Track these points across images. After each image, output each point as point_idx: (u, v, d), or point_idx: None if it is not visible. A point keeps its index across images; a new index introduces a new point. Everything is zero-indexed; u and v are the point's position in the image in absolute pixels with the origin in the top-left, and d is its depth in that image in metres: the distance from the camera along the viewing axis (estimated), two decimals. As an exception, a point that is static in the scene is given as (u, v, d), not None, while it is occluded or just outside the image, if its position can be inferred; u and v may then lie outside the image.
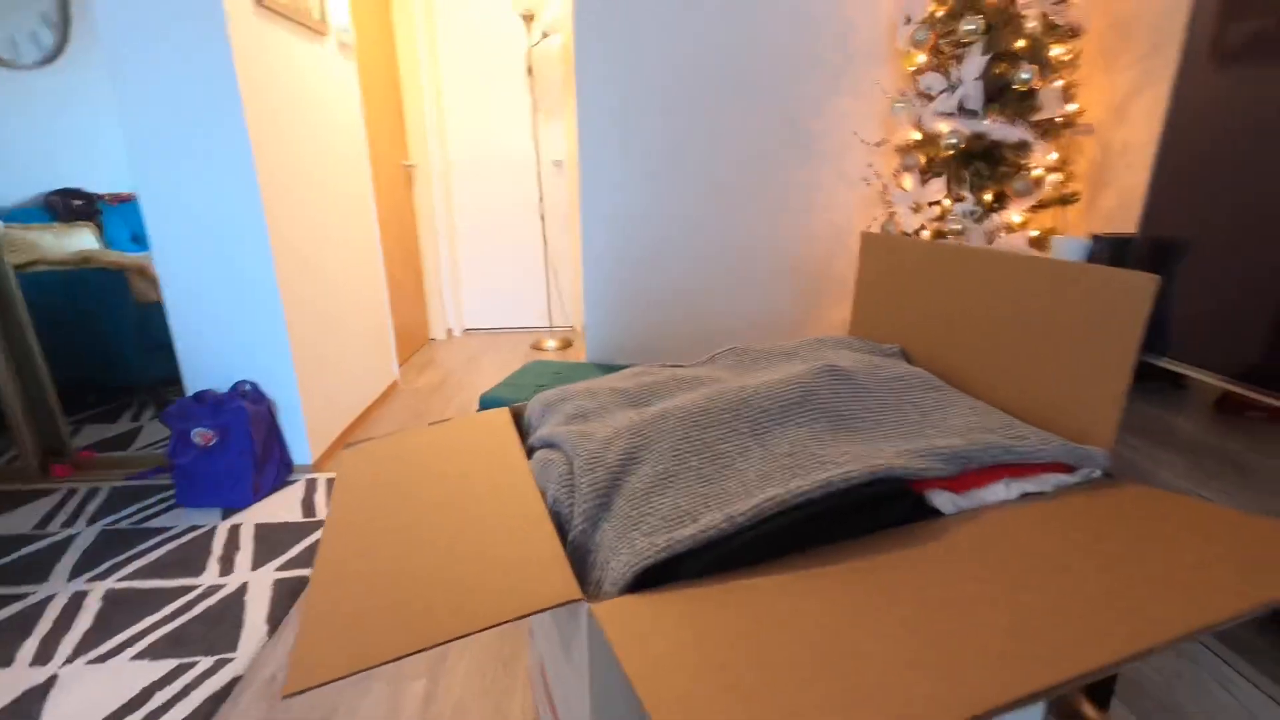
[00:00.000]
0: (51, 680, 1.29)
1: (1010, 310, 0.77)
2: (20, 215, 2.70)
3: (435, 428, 0.95)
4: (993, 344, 0.81)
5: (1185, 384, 1.02)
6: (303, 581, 1.58)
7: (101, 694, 1.25)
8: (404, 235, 3.44)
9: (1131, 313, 0.65)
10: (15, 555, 1.71)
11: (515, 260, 3.87)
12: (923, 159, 1.61)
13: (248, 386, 2.04)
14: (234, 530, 1.81)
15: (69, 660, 1.34)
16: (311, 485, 2.06)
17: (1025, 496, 0.68)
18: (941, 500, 0.67)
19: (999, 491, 0.68)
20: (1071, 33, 1.47)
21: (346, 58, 2.56)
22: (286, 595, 1.53)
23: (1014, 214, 1.52)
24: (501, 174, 3.72)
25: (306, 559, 1.66)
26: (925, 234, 1.62)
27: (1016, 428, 0.73)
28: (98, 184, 3.19)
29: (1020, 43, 1.44)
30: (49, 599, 1.53)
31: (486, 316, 3.98)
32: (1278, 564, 0.52)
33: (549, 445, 0.79)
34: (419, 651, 0.52)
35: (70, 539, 1.78)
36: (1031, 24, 1.44)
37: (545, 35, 3.28)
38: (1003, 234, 1.51)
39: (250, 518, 1.87)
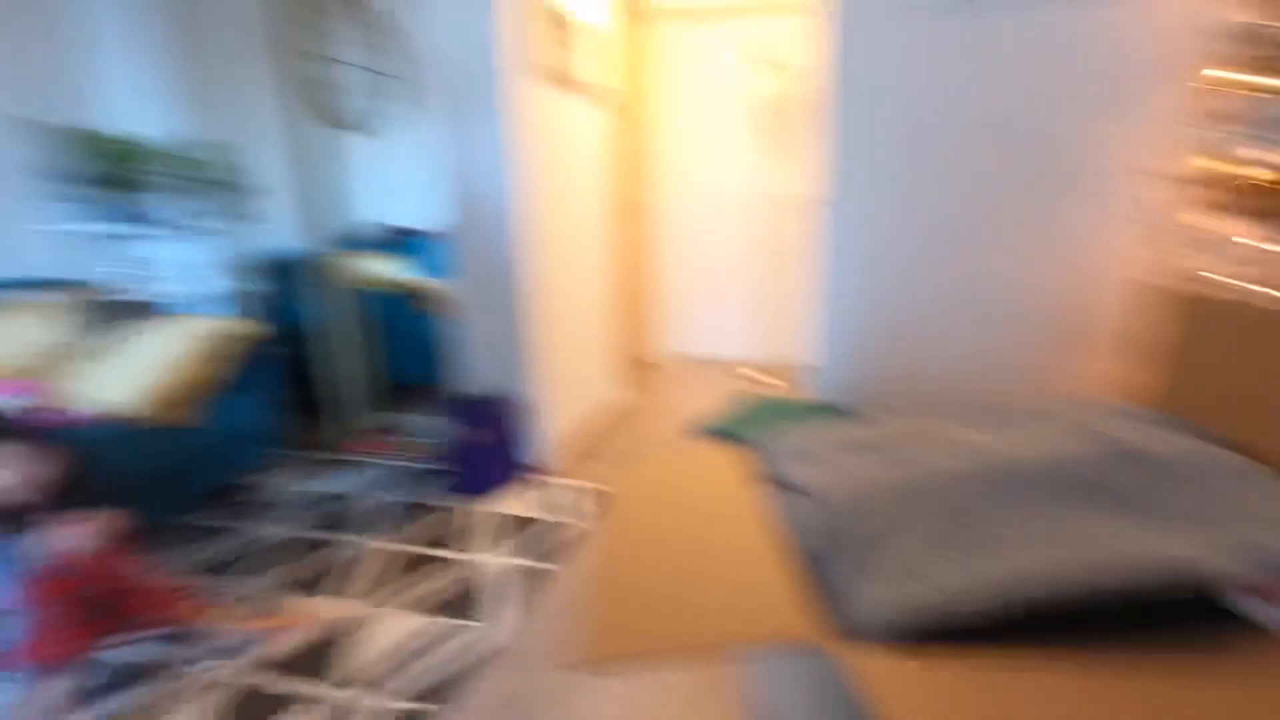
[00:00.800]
0: (368, 616, 1.65)
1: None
2: (361, 245, 3.48)
3: (684, 455, 1.06)
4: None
5: None
6: (546, 573, 1.83)
7: (402, 635, 1.58)
8: (634, 264, 3.76)
9: None
10: (337, 510, 2.22)
11: (733, 292, 4.00)
12: (1221, 194, 1.38)
13: (505, 394, 2.40)
14: (489, 517, 2.14)
15: (379, 602, 1.70)
16: (550, 488, 2.35)
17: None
18: (1257, 609, 0.60)
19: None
20: None
21: (603, 109, 2.91)
22: (534, 582, 1.78)
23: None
24: (725, 209, 3.89)
25: (549, 554, 1.91)
26: (1238, 283, 1.38)
27: None
28: (413, 221, 3.98)
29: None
30: (360, 550, 1.96)
31: (702, 344, 4.17)
32: None
33: (793, 486, 0.84)
34: (699, 661, 0.60)
35: (372, 504, 2.26)
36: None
37: (784, 78, 3.38)
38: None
39: (502, 508, 2.20)
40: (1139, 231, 1.69)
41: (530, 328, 2.34)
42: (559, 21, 2.39)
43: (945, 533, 0.66)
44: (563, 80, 2.43)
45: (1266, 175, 1.28)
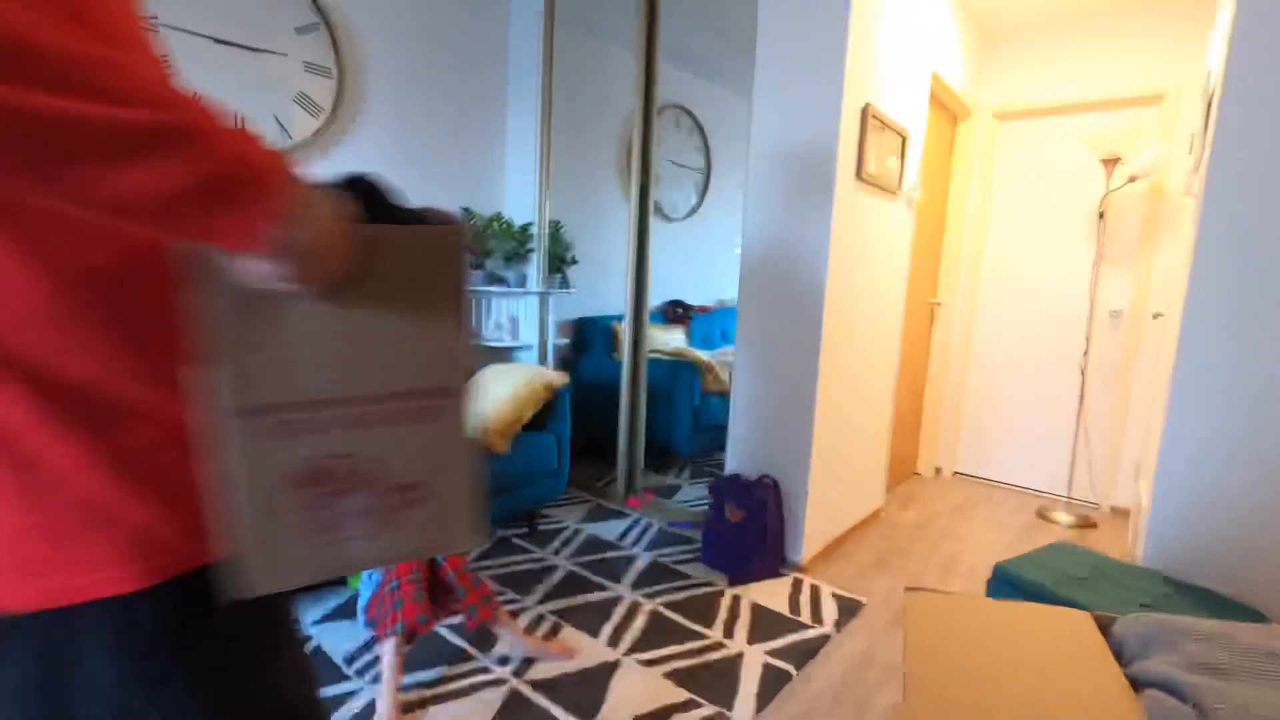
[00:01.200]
0: (616, 664, 1.74)
1: None
2: (652, 316, 3.88)
3: (1002, 604, 0.94)
4: None
5: None
6: (786, 673, 1.73)
7: (642, 693, 1.62)
8: (916, 368, 3.52)
9: None
10: (604, 556, 2.41)
11: (1033, 413, 3.48)
12: None
13: (770, 480, 2.40)
14: (736, 599, 2.12)
15: (628, 652, 1.79)
16: (798, 584, 2.25)
17: None
18: None
19: None
20: None
21: (909, 211, 2.85)
22: (773, 679, 1.71)
23: None
24: (1035, 319, 3.45)
25: (789, 655, 1.82)
26: None
27: None
28: (693, 297, 4.32)
29: None
30: (618, 599, 2.09)
31: (983, 465, 3.67)
32: None
33: (1167, 688, 0.69)
34: None
35: (634, 557, 2.40)
36: None
37: (1132, 179, 2.95)
38: None
39: (749, 593, 2.17)
40: None
41: (811, 417, 2.32)
42: (881, 127, 2.43)
43: None
44: (877, 182, 2.45)
45: None
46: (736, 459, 2.55)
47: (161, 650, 0.52)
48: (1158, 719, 0.68)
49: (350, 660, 1.70)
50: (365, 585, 1.67)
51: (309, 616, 1.90)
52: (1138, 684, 0.77)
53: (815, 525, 2.43)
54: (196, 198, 0.39)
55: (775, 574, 2.33)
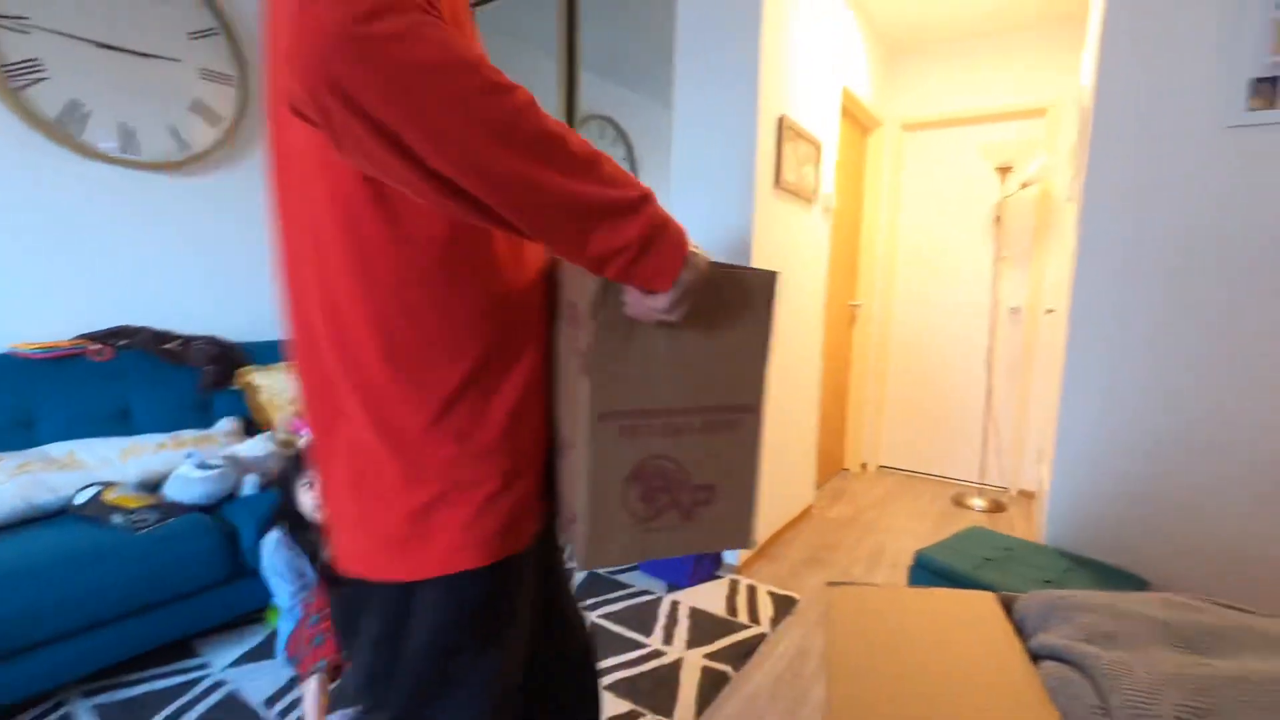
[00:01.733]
0: (555, 680, 1.72)
1: None
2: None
3: (917, 592, 0.99)
4: None
5: None
6: (724, 675, 1.76)
7: (583, 708, 1.60)
8: (839, 368, 3.66)
9: None
10: (540, 571, 2.37)
11: (946, 405, 3.69)
12: None
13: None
14: (674, 606, 2.14)
15: (566, 669, 1.76)
16: (735, 586, 2.29)
17: None
18: None
19: None
20: None
21: (825, 219, 2.97)
22: (711, 683, 1.72)
23: None
24: (946, 317, 3.66)
25: (727, 656, 1.85)
26: None
27: None
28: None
29: None
30: (557, 614, 2.06)
31: (904, 457, 3.86)
32: None
33: (1062, 660, 0.74)
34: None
35: (569, 570, 2.37)
36: None
37: (1023, 186, 3.18)
38: None
39: (686, 598, 2.19)
40: None
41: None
42: (796, 137, 2.53)
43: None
44: (794, 190, 2.54)
45: None
46: (670, 465, 2.57)
47: (464, 624, 0.63)
48: (1053, 687, 0.73)
49: (270, 703, 1.60)
50: (284, 621, 1.57)
51: (223, 658, 1.78)
52: (1036, 656, 0.81)
53: (749, 526, 2.48)
54: (641, 248, 0.53)
55: (712, 576, 2.36)
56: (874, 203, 3.72)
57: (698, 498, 0.64)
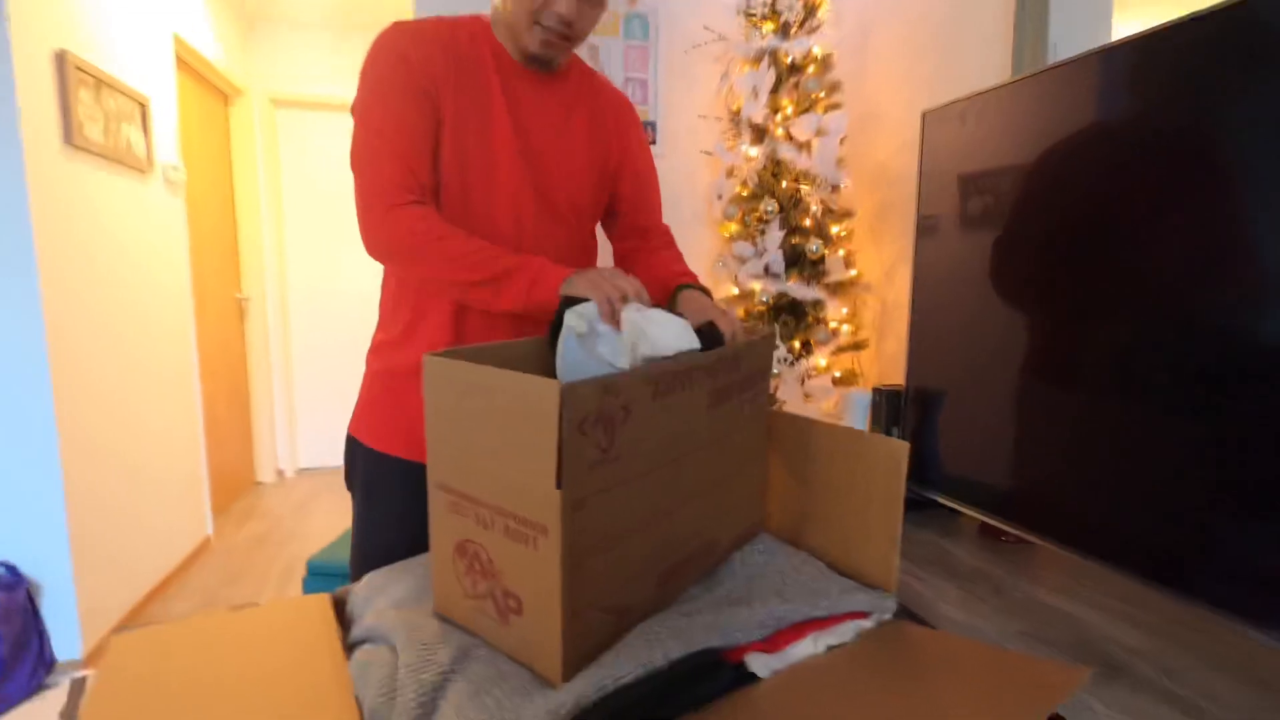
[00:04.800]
0: None
1: (812, 470, 0.86)
2: None
3: (235, 614, 0.85)
4: (805, 499, 0.90)
5: (957, 515, 1.20)
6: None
7: None
8: (232, 370, 3.16)
9: (893, 474, 0.76)
10: None
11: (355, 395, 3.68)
12: (741, 311, 1.82)
13: (6, 567, 1.68)
14: (-43, 762, 1.41)
15: None
16: (78, 690, 1.69)
17: (829, 648, 0.74)
18: (758, 665, 0.71)
19: (807, 647, 0.74)
20: (846, 214, 1.79)
21: (174, 194, 2.44)
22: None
23: (819, 358, 1.75)
24: (344, 304, 3.61)
25: (61, 789, 1.33)
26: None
27: (823, 583, 0.80)
28: None
29: (807, 221, 1.74)
30: None
31: (324, 455, 3.68)
32: (1024, 691, 0.61)
33: (372, 640, 0.73)
34: None
35: None
36: (814, 207, 1.74)
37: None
38: (812, 374, 1.72)
39: (-14, 740, 1.48)
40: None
41: (49, 466, 1.71)
42: (98, 85, 1.95)
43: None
44: (109, 154, 1.97)
45: (762, 300, 1.70)
46: (-69, 554, 1.69)
47: None
48: (356, 673, 0.69)
49: None
50: None
51: None
52: (353, 647, 0.77)
53: (100, 597, 1.87)
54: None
55: (38, 689, 1.67)
56: (249, 183, 3.31)
57: (509, 604, 0.60)
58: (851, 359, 1.87)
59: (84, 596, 1.79)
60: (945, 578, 1.00)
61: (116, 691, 0.69)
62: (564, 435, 0.50)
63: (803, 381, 1.72)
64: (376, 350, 0.99)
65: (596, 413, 0.52)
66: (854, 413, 1.29)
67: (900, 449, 0.78)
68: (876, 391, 1.26)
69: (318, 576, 1.61)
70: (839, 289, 1.76)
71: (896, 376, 1.67)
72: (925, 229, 1.17)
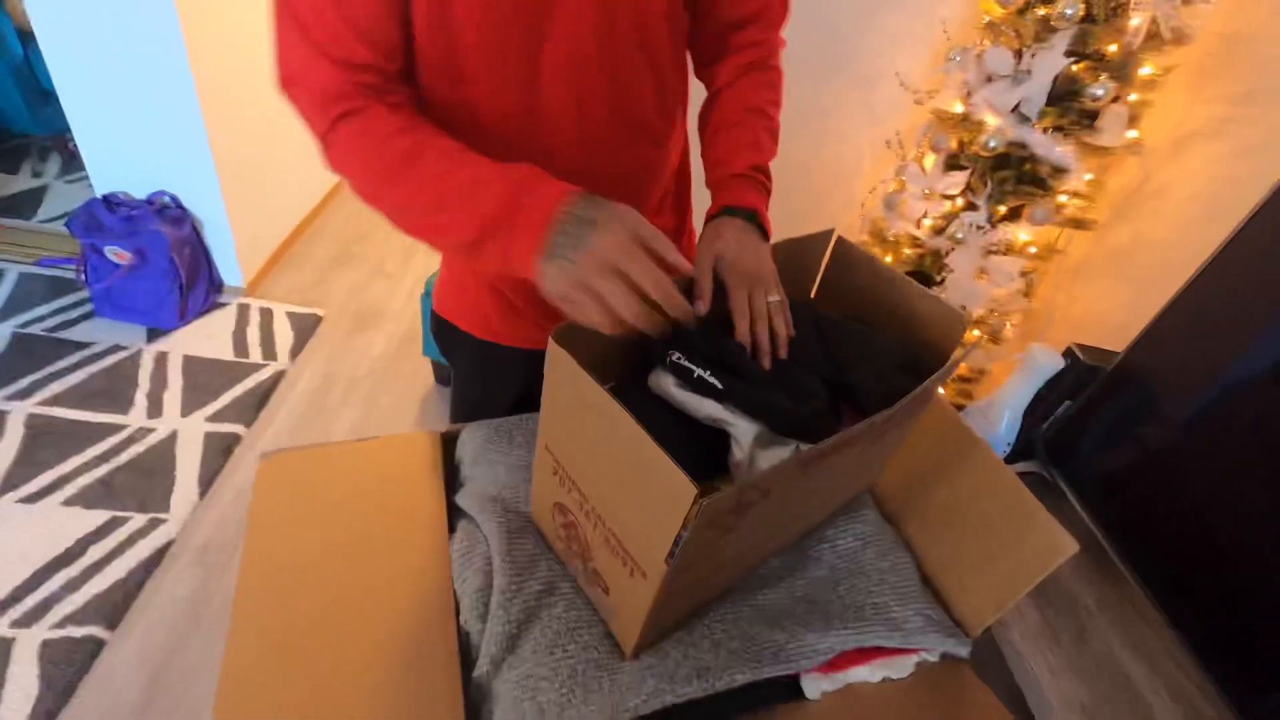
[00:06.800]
0: (-16, 516, 1.35)
1: (957, 497, 0.77)
2: None
3: (360, 444, 0.90)
4: (929, 502, 0.82)
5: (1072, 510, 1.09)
6: (234, 437, 1.62)
7: (32, 541, 1.32)
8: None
9: (1041, 564, 0.66)
10: (-79, 350, 1.65)
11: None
12: (955, 142, 1.42)
13: (167, 199, 1.83)
14: (161, 359, 1.77)
15: (-3, 497, 1.38)
16: (244, 314, 1.98)
17: (885, 679, 0.76)
18: (810, 687, 0.74)
19: (864, 673, 0.76)
20: (1181, 38, 1.22)
21: None
22: (217, 452, 1.58)
23: (1021, 232, 1.41)
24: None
25: (238, 412, 1.68)
26: (927, 224, 1.50)
27: (904, 609, 0.77)
28: None
29: (1113, 47, 1.20)
30: (-33, 415, 1.52)
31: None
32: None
33: (473, 519, 0.77)
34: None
35: (-19, 338, 1.71)
36: (1138, 19, 1.18)
37: None
38: (998, 253, 1.42)
39: (178, 345, 1.82)
40: (886, 152, 1.69)
41: (187, 100, 1.69)
42: None
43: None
44: None
45: (989, 146, 1.32)
46: (103, 171, 1.83)
47: None
48: (457, 561, 0.75)
49: None
50: None
51: None
52: (460, 517, 0.82)
53: (250, 234, 2.05)
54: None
55: (212, 307, 1.98)
56: None
57: (597, 579, 0.60)
58: (1061, 234, 1.49)
59: (239, 233, 1.96)
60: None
61: (276, 513, 0.78)
62: (689, 532, 0.44)
63: (984, 256, 1.42)
64: None
65: (733, 507, 0.46)
66: (1025, 379, 1.05)
67: (1065, 547, 0.67)
68: (1071, 359, 1.03)
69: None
70: (1095, 153, 1.31)
71: (1105, 332, 1.35)
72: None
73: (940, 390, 0.69)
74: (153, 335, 1.83)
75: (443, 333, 0.89)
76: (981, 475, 0.74)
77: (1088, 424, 1.02)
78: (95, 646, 1.19)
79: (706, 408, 0.61)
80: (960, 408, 1.67)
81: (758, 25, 0.72)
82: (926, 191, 1.46)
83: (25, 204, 2.16)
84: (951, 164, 1.42)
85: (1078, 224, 1.42)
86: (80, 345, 1.75)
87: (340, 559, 0.74)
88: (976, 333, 1.53)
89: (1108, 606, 0.97)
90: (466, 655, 0.69)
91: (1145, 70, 1.22)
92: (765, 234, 0.68)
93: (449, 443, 0.93)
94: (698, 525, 0.44)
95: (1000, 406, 1.08)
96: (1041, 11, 1.21)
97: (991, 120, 1.31)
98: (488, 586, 0.71)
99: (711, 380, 0.59)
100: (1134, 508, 0.94)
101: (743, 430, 0.61)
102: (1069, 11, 1.17)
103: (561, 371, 0.53)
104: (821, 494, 0.68)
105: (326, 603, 0.71)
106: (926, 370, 0.64)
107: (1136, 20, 1.17)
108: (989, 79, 1.31)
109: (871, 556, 0.82)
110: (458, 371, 0.91)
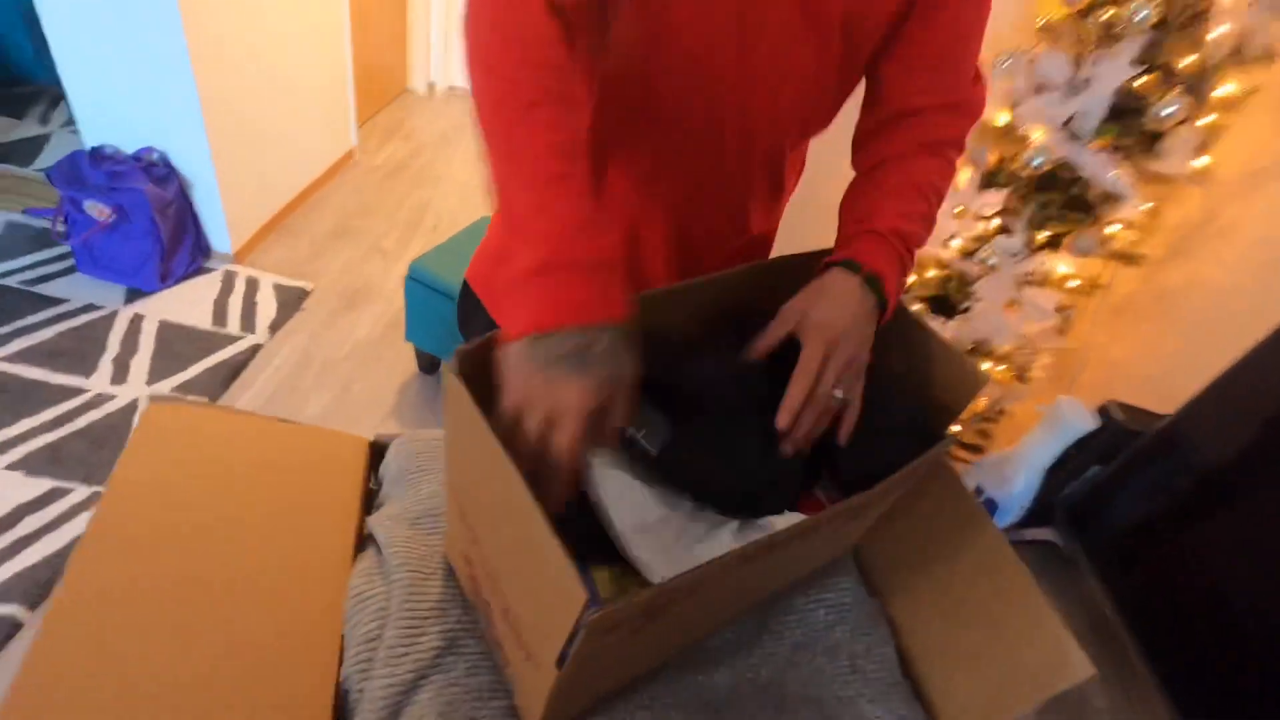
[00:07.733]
0: (-80, 475, 1.28)
1: (953, 578, 0.65)
2: None
3: (274, 426, 0.79)
4: (925, 576, 0.71)
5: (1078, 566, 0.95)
6: (197, 412, 1.53)
7: (-22, 506, 1.25)
8: (386, -48, 2.75)
9: (1049, 676, 0.54)
10: (-110, 293, 1.59)
11: None
12: (994, 157, 1.27)
13: (155, 157, 1.75)
14: (135, 323, 1.70)
15: (-61, 455, 1.32)
16: (229, 282, 1.90)
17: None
18: None
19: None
20: (1267, 57, 1.06)
21: None
22: (177, 426, 1.49)
23: (1061, 263, 1.26)
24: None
25: (205, 384, 1.60)
26: (955, 245, 1.35)
27: (875, 709, 0.66)
28: None
29: (1191, 58, 1.05)
30: (-76, 365, 1.46)
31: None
32: None
33: (381, 548, 0.67)
34: None
35: (-47, 286, 1.65)
36: (1216, 33, 1.03)
37: None
38: (1033, 283, 1.27)
39: (155, 309, 1.75)
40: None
41: (177, 51, 1.60)
42: None
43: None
44: None
45: (1034, 164, 1.17)
46: (92, 122, 1.76)
47: None
48: (352, 605, 0.66)
49: None
50: None
51: None
52: (365, 545, 0.72)
53: (242, 200, 1.97)
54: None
55: (197, 271, 1.91)
56: None
57: (498, 646, 0.52)
58: (1103, 267, 1.33)
59: (229, 197, 1.88)
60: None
61: (152, 464, 0.67)
62: (577, 644, 0.36)
63: (1018, 287, 1.27)
64: None
65: (641, 612, 0.37)
66: (1050, 436, 0.91)
67: (1077, 667, 0.55)
68: (1106, 418, 0.89)
69: (416, 283, 1.59)
70: (1154, 180, 1.16)
71: (1143, 383, 1.20)
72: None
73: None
74: (131, 297, 1.76)
75: (470, 309, 0.76)
76: (985, 558, 0.63)
77: (1118, 493, 0.88)
78: (12, 629, 1.11)
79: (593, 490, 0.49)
80: (977, 450, 1.53)
81: (955, 114, 0.62)
82: (958, 209, 1.31)
83: (24, 151, 2.11)
84: (989, 181, 1.28)
85: (1126, 259, 1.26)
86: (54, 301, 1.68)
87: (208, 551, 0.62)
88: (1001, 367, 1.38)
89: (1120, 712, 0.83)
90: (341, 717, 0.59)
91: (1223, 90, 1.06)
92: (882, 309, 0.53)
93: (379, 453, 0.83)
94: (587, 637, 0.35)
95: (1019, 463, 0.95)
96: (1109, 13, 1.06)
97: (1038, 135, 1.16)
98: (379, 637, 0.61)
99: (645, 444, 0.47)
100: (1159, 594, 0.80)
101: (621, 509, 0.48)
102: (1140, 15, 1.02)
103: (459, 410, 0.43)
104: (777, 574, 0.58)
105: (177, 602, 0.58)
106: (932, 432, 0.54)
107: (1219, 31, 1.02)
108: (1039, 89, 1.16)
109: (844, 635, 0.71)
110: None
